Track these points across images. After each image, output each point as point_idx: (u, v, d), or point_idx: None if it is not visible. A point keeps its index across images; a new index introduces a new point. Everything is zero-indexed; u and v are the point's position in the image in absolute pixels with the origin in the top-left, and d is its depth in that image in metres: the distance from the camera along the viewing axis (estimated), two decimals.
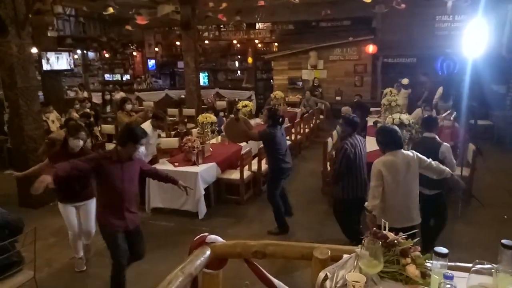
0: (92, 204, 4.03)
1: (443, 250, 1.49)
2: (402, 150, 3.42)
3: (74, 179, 3.73)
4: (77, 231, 4.10)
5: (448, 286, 1.31)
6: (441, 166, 3.50)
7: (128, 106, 6.54)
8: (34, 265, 3.27)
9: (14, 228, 3.22)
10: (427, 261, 1.65)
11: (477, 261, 1.38)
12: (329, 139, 6.47)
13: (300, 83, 13.32)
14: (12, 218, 3.26)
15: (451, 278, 1.33)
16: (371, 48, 12.29)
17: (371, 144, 6.15)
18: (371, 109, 9.79)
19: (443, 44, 11.06)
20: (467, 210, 5.34)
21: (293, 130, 8.54)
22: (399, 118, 5.38)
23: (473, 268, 1.35)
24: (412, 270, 1.59)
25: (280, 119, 4.91)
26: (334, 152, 5.19)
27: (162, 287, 1.88)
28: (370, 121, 8.35)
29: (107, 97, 8.72)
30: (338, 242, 3.50)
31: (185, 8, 10.16)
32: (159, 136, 6.16)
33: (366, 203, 3.46)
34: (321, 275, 1.71)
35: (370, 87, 12.72)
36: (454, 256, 1.88)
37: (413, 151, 3.49)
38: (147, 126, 5.85)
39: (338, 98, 12.68)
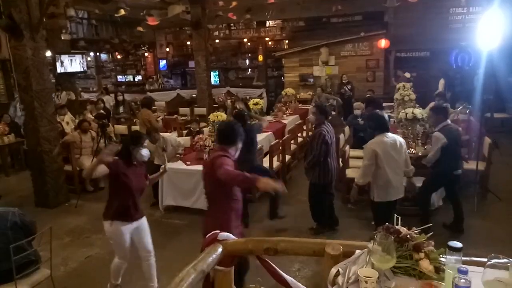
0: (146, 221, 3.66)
1: (457, 244, 1.46)
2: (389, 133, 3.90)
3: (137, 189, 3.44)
4: (128, 257, 3.60)
5: (463, 280, 1.28)
6: (409, 162, 4.12)
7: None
8: (51, 264, 3.33)
9: (29, 230, 3.27)
10: (441, 255, 1.63)
11: (492, 255, 1.34)
12: (341, 135, 6.41)
13: (312, 80, 13.24)
14: (27, 219, 3.32)
15: (465, 272, 1.29)
16: (383, 43, 12.13)
17: None
18: (384, 104, 9.70)
19: (458, 37, 10.84)
20: (483, 205, 5.24)
21: (304, 127, 8.50)
22: (412, 113, 5.30)
23: (488, 262, 1.32)
24: (425, 265, 1.56)
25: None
26: (309, 139, 5.21)
27: (174, 284, 1.90)
28: None
29: (120, 98, 8.82)
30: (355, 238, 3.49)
31: (195, 8, 10.20)
32: (164, 150, 5.93)
33: (356, 179, 3.97)
34: (333, 271, 1.69)
35: (383, 82, 12.56)
36: (470, 251, 1.84)
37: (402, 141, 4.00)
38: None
39: (350, 93, 12.55)
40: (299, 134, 8.05)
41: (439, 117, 4.59)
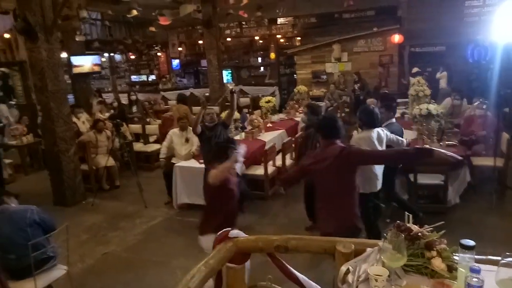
0: None
1: (470, 242, 1.44)
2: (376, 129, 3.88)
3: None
4: None
5: (475, 279, 1.27)
6: (399, 138, 4.11)
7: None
8: (67, 260, 3.40)
9: (47, 227, 3.35)
10: (454, 254, 1.60)
11: (507, 253, 1.32)
12: (354, 132, 6.34)
13: (324, 77, 13.14)
14: (45, 217, 3.40)
15: (477, 271, 1.28)
16: (397, 38, 11.95)
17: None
18: (398, 100, 9.57)
19: (473, 31, 10.59)
20: (502, 202, 5.12)
21: None
22: (427, 109, 5.21)
23: (502, 261, 1.30)
24: (437, 264, 1.54)
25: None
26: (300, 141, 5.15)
27: (185, 281, 1.92)
28: (397, 113, 8.16)
29: (133, 97, 8.93)
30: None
31: (206, 7, 10.24)
32: (187, 140, 5.93)
33: None
34: (343, 268, 1.69)
35: (397, 78, 12.38)
36: (487, 250, 1.81)
37: (384, 129, 3.99)
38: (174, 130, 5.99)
39: (359, 92, 12.43)
40: None
41: (389, 113, 4.62)
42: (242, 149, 3.25)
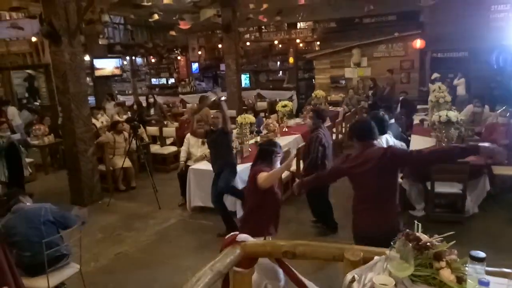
0: None
1: (480, 254, 1.38)
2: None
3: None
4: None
5: None
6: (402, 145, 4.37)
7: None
8: (80, 259, 3.46)
9: (62, 225, 3.41)
10: (465, 265, 1.54)
11: None
12: None
13: (343, 82, 13.03)
14: (61, 214, 3.46)
15: (486, 284, 1.22)
16: (418, 43, 11.73)
17: (417, 143, 5.89)
18: (419, 106, 9.38)
19: (499, 36, 10.30)
20: None
21: (334, 130, 8.37)
22: (446, 115, 5.08)
23: None
24: (446, 275, 1.49)
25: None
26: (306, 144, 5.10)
27: (191, 284, 1.92)
28: (416, 119, 8.00)
29: (151, 100, 9.07)
30: None
31: (226, 11, 10.32)
32: (203, 143, 5.92)
33: None
34: (349, 276, 1.65)
35: (418, 84, 12.15)
36: (505, 262, 1.73)
37: (391, 136, 4.21)
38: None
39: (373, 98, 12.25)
40: None
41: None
42: (293, 153, 3.23)
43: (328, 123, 8.85)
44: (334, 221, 4.83)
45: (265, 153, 3.30)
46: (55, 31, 5.65)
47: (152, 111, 8.63)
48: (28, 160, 7.42)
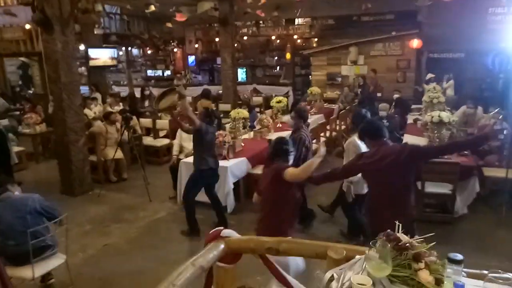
0: None
1: (458, 256, 1.38)
2: None
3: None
4: None
5: None
6: None
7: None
8: (66, 250, 3.44)
9: (50, 215, 3.39)
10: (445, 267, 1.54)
11: (492, 270, 1.26)
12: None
13: (339, 79, 13.02)
14: (47, 205, 3.44)
15: (461, 287, 1.22)
16: (415, 43, 11.73)
17: (409, 142, 5.90)
18: (413, 106, 9.40)
19: (496, 39, 10.30)
20: None
21: (328, 127, 8.37)
22: (439, 116, 5.09)
23: (488, 277, 1.24)
24: (424, 276, 1.48)
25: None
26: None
27: (171, 278, 1.91)
28: (410, 119, 8.01)
29: (146, 92, 9.00)
30: None
31: (223, 5, 10.26)
32: None
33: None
34: (327, 275, 1.65)
35: (414, 84, 12.16)
36: (491, 263, 1.74)
37: None
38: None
39: (378, 94, 12.25)
40: (321, 134, 7.92)
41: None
42: (322, 150, 3.06)
43: (323, 119, 8.88)
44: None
45: (282, 151, 3.22)
46: (47, 18, 5.58)
47: (146, 103, 8.56)
48: (19, 148, 7.38)
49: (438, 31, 11.18)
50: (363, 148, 3.86)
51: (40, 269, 3.26)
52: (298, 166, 4.34)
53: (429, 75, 10.06)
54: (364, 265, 1.58)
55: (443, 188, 4.73)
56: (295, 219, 3.22)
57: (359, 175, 3.74)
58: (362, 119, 4.15)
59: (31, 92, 12.74)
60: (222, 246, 2.26)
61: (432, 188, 4.75)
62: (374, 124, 3.28)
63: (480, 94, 9.60)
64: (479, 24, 10.84)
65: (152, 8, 10.11)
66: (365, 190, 4.05)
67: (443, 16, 11.05)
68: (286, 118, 8.28)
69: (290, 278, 2.32)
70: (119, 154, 6.61)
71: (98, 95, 9.85)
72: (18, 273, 3.18)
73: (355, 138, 4.15)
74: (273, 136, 6.76)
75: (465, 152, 5.10)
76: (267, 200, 3.14)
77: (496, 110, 6.85)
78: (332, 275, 1.63)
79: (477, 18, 10.88)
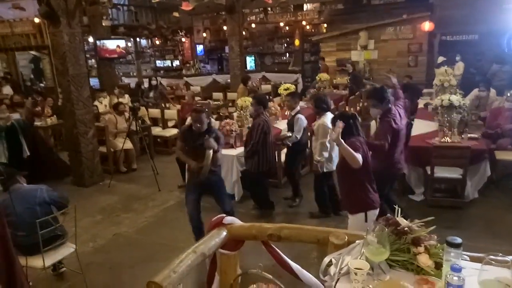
0: None
1: (456, 239, 1.35)
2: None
3: None
4: None
5: (455, 278, 1.19)
6: None
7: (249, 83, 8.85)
8: (75, 239, 3.50)
9: (58, 206, 3.45)
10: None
11: (490, 253, 1.23)
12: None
13: (349, 65, 12.80)
14: (57, 195, 3.49)
15: (458, 270, 1.20)
16: (427, 26, 11.43)
17: (419, 127, 5.80)
18: (425, 90, 9.20)
19: (511, 19, 9.98)
20: None
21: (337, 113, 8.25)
22: (449, 99, 4.96)
23: (486, 259, 1.21)
24: (423, 260, 1.46)
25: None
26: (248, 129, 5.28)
27: (173, 265, 1.93)
28: (421, 103, 7.86)
29: (153, 82, 9.00)
30: None
31: None
32: None
33: (317, 157, 4.50)
34: (326, 260, 1.64)
35: (426, 68, 11.89)
36: (502, 248, 1.69)
37: None
38: None
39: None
40: None
41: (295, 100, 5.15)
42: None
43: (332, 105, 8.78)
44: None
45: (348, 127, 3.14)
46: (53, 11, 5.59)
47: (151, 94, 8.55)
48: None
49: (450, 13, 10.87)
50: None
51: (51, 258, 3.33)
52: (256, 150, 4.68)
53: (440, 58, 9.82)
54: (362, 250, 1.57)
55: (454, 173, 4.64)
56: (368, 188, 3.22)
57: (326, 153, 4.48)
58: (326, 102, 4.70)
59: (42, 85, 12.90)
60: (225, 233, 2.28)
61: (442, 172, 4.66)
62: (381, 89, 3.89)
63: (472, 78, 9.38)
64: (493, 4, 10.48)
65: None
66: (333, 166, 4.52)
67: None
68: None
69: (292, 263, 2.32)
70: (128, 145, 6.67)
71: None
72: (29, 263, 3.25)
73: (325, 120, 4.47)
74: (281, 123, 6.72)
75: (475, 135, 5.02)
76: (346, 177, 3.26)
77: (510, 92, 6.67)
78: (331, 260, 1.62)
79: None
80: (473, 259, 1.55)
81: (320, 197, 4.81)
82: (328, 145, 4.49)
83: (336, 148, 4.46)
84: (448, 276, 1.21)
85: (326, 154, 4.50)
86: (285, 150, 5.42)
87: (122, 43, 12.25)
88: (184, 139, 4.06)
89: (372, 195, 3.18)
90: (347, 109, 8.77)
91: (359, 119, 3.43)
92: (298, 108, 5.17)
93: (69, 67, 5.82)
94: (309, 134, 5.41)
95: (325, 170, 4.58)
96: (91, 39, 11.71)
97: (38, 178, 4.80)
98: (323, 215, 4.79)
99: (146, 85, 9.47)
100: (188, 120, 5.92)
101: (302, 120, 5.01)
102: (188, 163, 3.99)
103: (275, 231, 2.20)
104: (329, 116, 4.53)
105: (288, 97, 5.37)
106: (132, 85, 13.37)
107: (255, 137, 4.66)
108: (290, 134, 4.99)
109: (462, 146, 4.60)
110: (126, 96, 8.97)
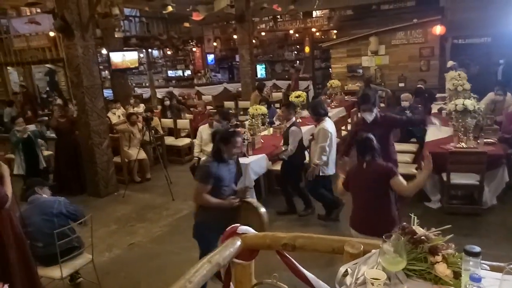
0: None
1: (475, 248, 1.32)
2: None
3: None
4: None
5: None
6: None
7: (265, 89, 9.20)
8: (92, 250, 3.54)
9: (75, 217, 3.50)
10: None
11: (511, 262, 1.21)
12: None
13: (360, 71, 12.78)
14: (74, 208, 3.54)
15: (478, 280, 1.17)
16: (438, 29, 11.36)
17: (433, 133, 5.71)
18: (438, 95, 9.09)
19: None
20: None
21: (349, 120, 8.24)
22: (463, 104, 4.90)
23: (507, 269, 1.18)
24: (441, 269, 1.44)
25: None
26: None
27: (188, 276, 1.93)
28: (435, 108, 7.77)
29: (167, 103, 9.05)
30: None
31: (239, 1, 10.24)
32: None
33: (316, 160, 4.58)
34: (342, 270, 1.62)
35: (438, 72, 11.77)
36: None
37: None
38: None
39: (401, 84, 11.95)
40: (342, 127, 7.82)
41: (290, 112, 5.14)
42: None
43: (343, 113, 8.75)
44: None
45: (370, 148, 3.19)
46: (67, 25, 5.74)
47: (168, 114, 8.60)
48: (48, 152, 7.63)
49: (462, 16, 10.78)
50: (333, 132, 4.67)
51: (68, 268, 3.38)
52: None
53: (450, 63, 9.69)
54: (378, 259, 1.55)
55: (471, 179, 4.57)
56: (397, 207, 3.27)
57: (325, 158, 4.58)
58: (322, 107, 4.80)
59: (57, 97, 13.16)
60: (239, 243, 2.27)
61: (458, 179, 4.59)
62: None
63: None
64: (505, 6, 10.36)
65: (170, 8, 10.21)
66: (329, 171, 4.72)
67: (467, 0, 10.64)
68: (306, 113, 8.21)
69: (308, 274, 2.30)
70: (142, 155, 6.75)
71: (60, 101, 10.06)
72: (48, 273, 3.31)
73: (325, 124, 4.62)
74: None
75: (492, 140, 4.95)
76: (372, 194, 3.17)
77: None
78: (346, 270, 1.60)
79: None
80: (493, 269, 1.52)
81: (320, 199, 4.87)
82: (327, 149, 4.59)
83: (332, 153, 4.73)
84: (467, 286, 1.19)
85: (325, 158, 4.60)
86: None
87: (134, 55, 12.45)
88: (212, 176, 3.17)
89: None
90: (359, 115, 8.74)
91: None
92: (293, 119, 5.17)
93: (83, 79, 5.94)
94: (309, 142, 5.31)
95: (321, 174, 4.65)
96: (104, 51, 11.91)
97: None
98: (331, 217, 4.80)
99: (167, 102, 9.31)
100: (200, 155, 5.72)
101: (297, 132, 4.99)
102: (224, 205, 3.18)
103: (289, 241, 2.19)
104: (328, 120, 4.73)
105: (283, 108, 5.37)
106: (145, 95, 13.57)
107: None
108: (284, 149, 4.97)
109: (479, 151, 4.53)
110: (141, 105, 9.08)
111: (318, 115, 4.71)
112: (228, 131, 3.36)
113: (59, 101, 10.31)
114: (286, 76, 14.60)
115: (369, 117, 4.30)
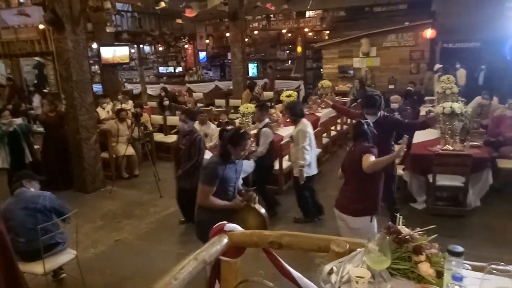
0: None
1: (458, 248, 1.34)
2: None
3: None
4: None
5: (457, 287, 1.18)
6: None
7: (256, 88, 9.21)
8: (76, 245, 3.50)
9: (59, 213, 3.44)
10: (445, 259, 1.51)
11: (491, 262, 1.23)
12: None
13: (351, 72, 12.86)
14: (59, 204, 3.49)
15: (459, 279, 1.19)
16: (429, 33, 11.48)
17: (421, 135, 5.77)
18: (426, 98, 9.20)
19: None
20: None
21: (338, 120, 8.28)
22: (451, 107, 4.96)
23: (487, 269, 1.20)
24: (425, 269, 1.46)
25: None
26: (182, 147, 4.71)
27: (174, 272, 1.92)
28: (423, 111, 7.85)
29: (166, 103, 8.97)
30: None
31: None
32: (205, 135, 5.97)
33: (301, 161, 4.54)
34: (327, 268, 1.63)
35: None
36: (505, 256, 1.69)
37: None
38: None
39: (391, 86, 12.06)
40: (332, 128, 7.86)
41: (263, 113, 5.06)
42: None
43: (334, 113, 8.78)
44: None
45: (361, 132, 3.29)
46: (58, 18, 5.65)
47: (167, 114, 8.53)
48: (36, 146, 7.51)
49: (452, 20, 10.92)
50: (311, 132, 4.67)
51: (51, 264, 3.33)
52: (198, 166, 4.24)
53: (437, 66, 9.82)
54: (363, 258, 1.56)
55: (455, 181, 4.64)
56: (379, 192, 3.32)
57: (309, 157, 4.56)
58: (300, 108, 4.87)
59: (46, 91, 12.97)
60: (226, 240, 2.27)
61: (444, 180, 4.66)
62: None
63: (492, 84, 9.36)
64: (495, 12, 10.52)
65: (162, 4, 10.14)
66: (313, 170, 4.75)
67: (458, 5, 10.79)
68: None
69: (293, 271, 2.30)
70: (131, 151, 6.69)
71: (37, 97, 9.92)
72: (29, 269, 3.25)
73: (302, 125, 4.62)
74: (283, 131, 6.72)
75: (477, 143, 5.02)
76: (353, 179, 3.30)
77: None
78: (332, 268, 1.61)
79: (493, 5, 10.56)
80: (474, 268, 1.54)
81: (302, 202, 4.86)
82: (308, 148, 4.57)
83: (314, 153, 4.81)
84: (449, 285, 1.21)
85: (308, 158, 4.57)
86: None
87: (125, 50, 12.32)
88: (219, 177, 3.10)
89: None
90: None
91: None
92: (266, 120, 5.08)
93: (73, 73, 5.86)
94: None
95: (305, 175, 4.62)
96: (94, 45, 11.78)
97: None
98: (308, 220, 4.81)
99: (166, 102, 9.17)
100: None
101: (268, 133, 4.93)
102: (230, 207, 3.15)
103: (276, 239, 2.19)
104: (305, 121, 4.73)
105: (256, 109, 5.29)
106: (136, 91, 13.44)
107: (196, 153, 4.39)
108: (255, 149, 4.85)
109: (464, 154, 4.60)
110: (130, 102, 9.00)
111: (296, 116, 4.69)
112: (237, 133, 3.22)
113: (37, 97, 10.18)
114: (278, 75, 14.60)
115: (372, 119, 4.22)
